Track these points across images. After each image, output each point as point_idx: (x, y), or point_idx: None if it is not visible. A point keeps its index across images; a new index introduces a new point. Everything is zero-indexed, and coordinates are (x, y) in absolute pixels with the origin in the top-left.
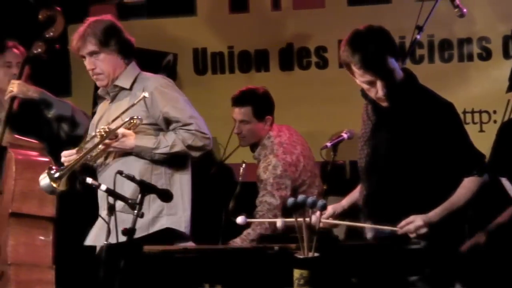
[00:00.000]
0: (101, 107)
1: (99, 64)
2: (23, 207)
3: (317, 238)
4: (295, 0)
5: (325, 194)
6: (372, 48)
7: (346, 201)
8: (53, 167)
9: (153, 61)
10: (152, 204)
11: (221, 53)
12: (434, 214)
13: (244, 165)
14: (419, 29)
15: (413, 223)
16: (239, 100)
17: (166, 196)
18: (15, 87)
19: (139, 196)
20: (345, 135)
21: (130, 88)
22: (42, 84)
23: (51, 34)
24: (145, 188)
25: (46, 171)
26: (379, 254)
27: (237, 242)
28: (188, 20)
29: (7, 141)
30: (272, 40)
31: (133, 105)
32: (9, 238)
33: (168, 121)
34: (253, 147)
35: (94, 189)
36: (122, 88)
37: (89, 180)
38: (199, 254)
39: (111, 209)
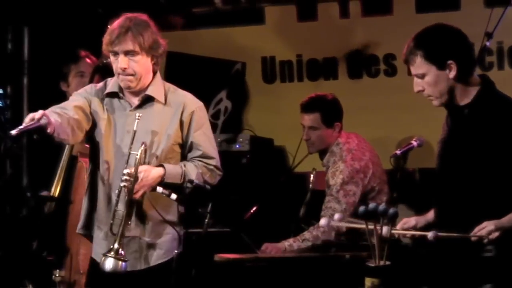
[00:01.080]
0: (115, 105)
1: (134, 66)
2: None
3: (388, 246)
4: (364, 7)
5: (394, 202)
6: (439, 40)
7: (431, 215)
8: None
9: (222, 70)
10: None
11: (290, 61)
12: (508, 219)
13: (314, 172)
14: (489, 35)
15: (486, 228)
16: (308, 106)
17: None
18: None
19: (210, 205)
20: (415, 143)
21: (165, 102)
22: None
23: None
24: (217, 198)
25: (109, 255)
26: (450, 262)
27: (290, 242)
28: (256, 28)
29: (77, 150)
30: (340, 48)
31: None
32: (81, 247)
33: (190, 148)
34: (322, 154)
35: None
36: (152, 100)
37: (159, 189)
38: (270, 263)
39: (181, 218)
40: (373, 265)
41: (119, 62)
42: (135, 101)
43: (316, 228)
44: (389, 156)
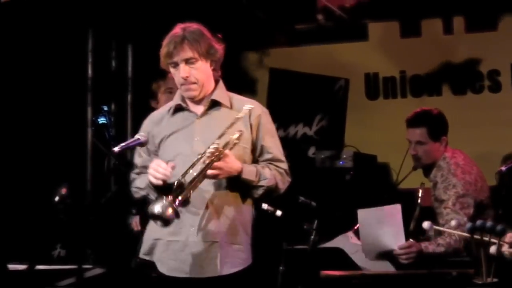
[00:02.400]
0: (179, 119)
1: (195, 73)
2: None
3: (495, 263)
4: (467, 23)
5: (498, 218)
6: None
7: None
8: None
9: (325, 86)
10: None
11: (393, 77)
12: None
13: (423, 187)
14: None
15: None
16: (415, 121)
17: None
18: None
19: (315, 222)
20: None
21: (231, 107)
22: None
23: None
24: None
25: (167, 200)
26: None
27: (426, 244)
28: (360, 45)
29: None
30: (444, 64)
31: (237, 120)
32: None
33: (261, 151)
34: (426, 169)
35: None
36: (218, 104)
37: (264, 206)
38: (376, 279)
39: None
40: (480, 282)
41: (180, 72)
42: (201, 108)
43: (448, 236)
44: (494, 173)
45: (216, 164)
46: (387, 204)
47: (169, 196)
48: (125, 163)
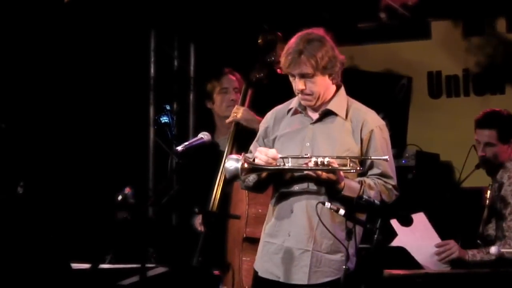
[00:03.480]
0: (296, 121)
1: (311, 86)
2: (257, 231)
3: None
4: None
5: None
6: None
7: None
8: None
9: (387, 85)
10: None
11: (456, 76)
12: None
13: (490, 187)
14: None
15: None
16: (485, 122)
17: (406, 220)
18: (239, 112)
19: (378, 221)
20: None
21: (346, 117)
22: (262, 110)
23: (272, 58)
24: (385, 212)
25: (242, 158)
26: None
27: (474, 252)
28: (422, 43)
29: None
30: (507, 63)
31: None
32: (243, 263)
33: (370, 166)
34: (490, 169)
35: None
36: (333, 113)
37: (327, 204)
38: (440, 278)
39: (349, 234)
40: None
41: (296, 84)
42: (316, 115)
43: (502, 244)
44: None
45: (319, 172)
46: (450, 203)
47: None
48: (188, 162)
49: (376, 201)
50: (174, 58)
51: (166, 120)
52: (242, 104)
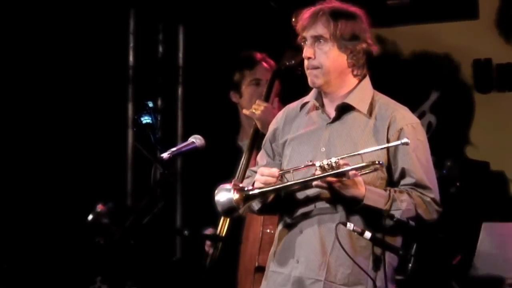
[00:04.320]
0: (311, 120)
1: (321, 56)
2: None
3: None
4: None
5: None
6: None
7: None
8: (245, 186)
9: (426, 76)
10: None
11: (510, 65)
12: None
13: None
14: None
15: None
16: None
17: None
18: (259, 110)
19: (414, 246)
20: None
21: (369, 114)
22: None
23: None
24: (423, 237)
25: (233, 185)
26: None
27: None
28: (468, 24)
29: None
30: None
31: (385, 148)
32: None
33: (401, 174)
34: None
35: None
36: (351, 109)
37: (350, 225)
38: None
39: (377, 262)
40: None
41: (305, 50)
42: (333, 111)
43: None
44: None
45: (330, 179)
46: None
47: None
48: (175, 173)
49: (410, 221)
50: (159, 43)
51: (148, 121)
52: (266, 99)
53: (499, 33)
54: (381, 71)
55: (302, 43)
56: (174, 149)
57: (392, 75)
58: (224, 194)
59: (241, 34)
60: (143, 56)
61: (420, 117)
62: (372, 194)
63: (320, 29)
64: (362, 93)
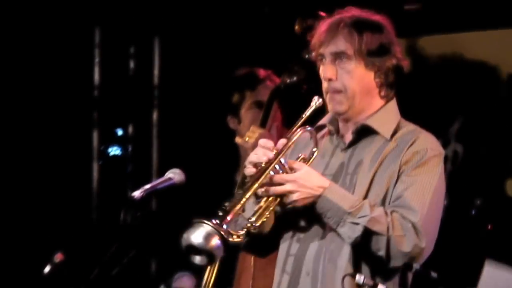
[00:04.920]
0: (326, 148)
1: (344, 76)
2: None
3: None
4: None
5: None
6: None
7: None
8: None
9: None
10: None
11: None
12: None
13: None
14: None
15: None
16: None
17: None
18: (253, 137)
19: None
20: None
21: (390, 138)
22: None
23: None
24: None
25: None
26: None
27: None
28: (508, 34)
29: None
30: None
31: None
32: None
33: (390, 198)
34: None
35: None
36: (372, 132)
37: (359, 278)
38: None
39: None
40: None
41: (323, 71)
42: (350, 136)
43: None
44: None
45: (284, 176)
46: None
47: (213, 220)
48: (149, 214)
49: (421, 269)
50: (130, 58)
51: (116, 152)
52: (263, 125)
53: None
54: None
55: (318, 61)
56: (148, 186)
57: (411, 94)
58: (197, 231)
59: (231, 47)
60: (111, 74)
61: (444, 146)
62: (336, 190)
63: (342, 44)
64: (387, 115)
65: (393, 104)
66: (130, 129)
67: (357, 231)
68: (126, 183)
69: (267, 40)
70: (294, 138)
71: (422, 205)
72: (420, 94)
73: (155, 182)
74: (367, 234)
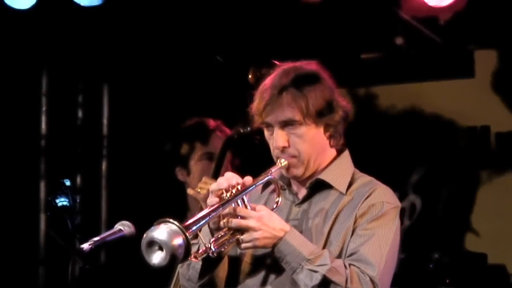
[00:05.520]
0: (274, 202)
1: (297, 142)
2: None
3: None
4: None
5: None
6: None
7: None
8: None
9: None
10: None
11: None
12: None
13: None
14: None
15: None
16: None
17: None
18: (205, 189)
19: None
20: None
21: (345, 192)
22: None
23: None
24: None
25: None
26: None
27: None
28: (462, 84)
29: None
30: None
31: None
32: None
33: (351, 251)
34: None
35: None
36: (326, 186)
37: None
38: None
39: None
40: None
41: (274, 139)
42: (304, 191)
43: None
44: None
45: (245, 210)
46: None
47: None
48: (98, 267)
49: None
50: (78, 106)
51: (64, 203)
52: (215, 176)
53: (497, 94)
54: (352, 139)
55: (263, 127)
56: (97, 238)
57: (367, 144)
58: (161, 228)
59: (181, 95)
60: (59, 123)
61: (401, 198)
62: (296, 237)
63: (288, 111)
64: (341, 168)
65: (346, 156)
66: (78, 180)
67: (315, 280)
68: (74, 234)
69: (218, 89)
70: (259, 183)
71: (379, 260)
72: (378, 145)
73: (105, 234)
74: (325, 283)
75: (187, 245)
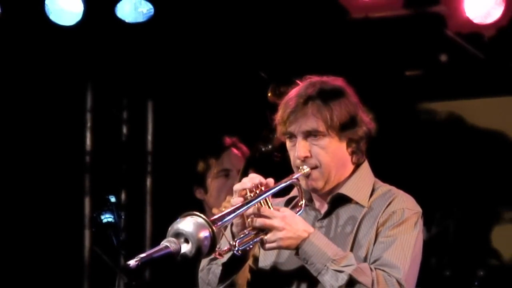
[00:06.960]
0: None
1: (319, 153)
2: None
3: None
4: None
5: None
6: None
7: None
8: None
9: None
10: None
11: None
12: None
13: None
14: None
15: None
16: None
17: None
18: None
19: None
20: None
21: (367, 203)
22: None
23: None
24: None
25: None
26: None
27: None
28: (507, 101)
29: None
30: None
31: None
32: None
33: (375, 258)
34: None
35: None
36: (346, 200)
37: None
38: None
39: None
40: None
41: (296, 149)
42: (325, 207)
43: None
44: None
45: (269, 210)
46: None
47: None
48: (144, 284)
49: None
50: (122, 123)
51: (109, 219)
52: None
53: None
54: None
55: (285, 138)
56: (143, 255)
57: (410, 160)
58: (188, 220)
59: (225, 111)
60: (103, 138)
61: (443, 218)
62: (320, 238)
63: (313, 122)
64: (361, 180)
65: (365, 167)
66: (123, 196)
67: (341, 280)
68: (119, 251)
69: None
70: (283, 185)
71: (403, 262)
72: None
73: (151, 251)
74: (351, 284)
75: (213, 238)
